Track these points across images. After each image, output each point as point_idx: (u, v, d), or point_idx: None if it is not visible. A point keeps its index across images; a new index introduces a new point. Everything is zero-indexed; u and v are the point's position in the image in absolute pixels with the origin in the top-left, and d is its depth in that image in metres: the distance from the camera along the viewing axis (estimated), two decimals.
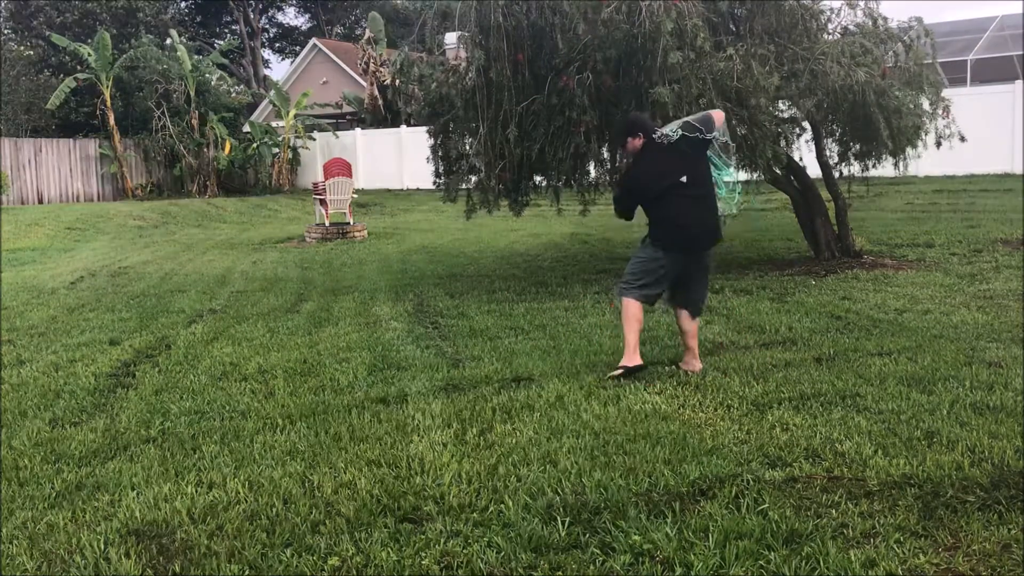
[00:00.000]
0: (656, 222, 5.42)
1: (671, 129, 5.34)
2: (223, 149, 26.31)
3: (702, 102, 7.58)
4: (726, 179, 5.60)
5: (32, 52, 27.82)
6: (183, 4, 42.03)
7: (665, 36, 7.30)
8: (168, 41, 26.75)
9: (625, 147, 5.60)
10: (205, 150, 26.35)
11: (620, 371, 5.26)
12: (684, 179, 5.27)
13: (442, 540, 3.19)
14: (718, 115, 5.48)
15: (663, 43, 7.30)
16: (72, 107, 27.78)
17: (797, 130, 9.59)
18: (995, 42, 24.10)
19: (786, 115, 9.28)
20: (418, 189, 24.67)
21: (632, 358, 5.28)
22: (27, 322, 8.39)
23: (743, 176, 9.74)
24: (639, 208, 5.52)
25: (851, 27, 9.28)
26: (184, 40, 26.97)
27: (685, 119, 5.45)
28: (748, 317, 7.12)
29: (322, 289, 9.92)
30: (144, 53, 25.71)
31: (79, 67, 25.92)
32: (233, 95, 29.81)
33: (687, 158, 5.30)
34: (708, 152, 5.40)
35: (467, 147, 9.20)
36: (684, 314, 5.50)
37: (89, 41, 25.34)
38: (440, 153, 9.67)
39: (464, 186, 9.60)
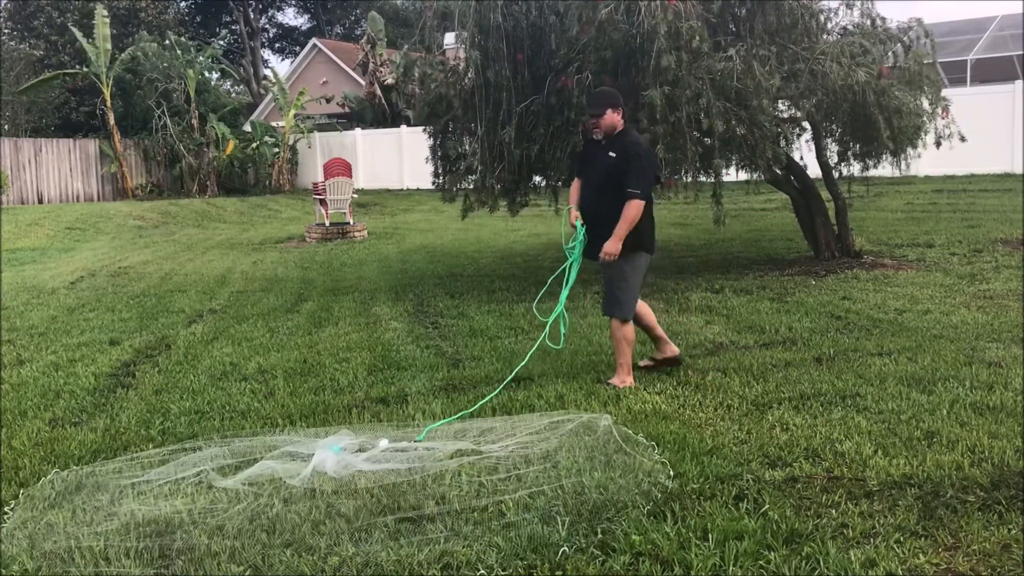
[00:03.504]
0: (649, 226, 5.30)
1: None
2: (226, 148, 26.29)
3: (701, 102, 7.58)
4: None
5: (35, 52, 27.79)
6: (183, 4, 42.06)
7: (660, 38, 7.29)
8: (168, 41, 26.75)
9: (600, 118, 5.14)
10: (205, 150, 26.34)
11: (611, 387, 5.17)
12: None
13: (442, 540, 3.19)
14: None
15: (657, 45, 7.30)
16: (72, 107, 27.76)
17: (797, 130, 9.59)
18: (995, 42, 24.08)
19: (786, 115, 9.28)
20: (418, 189, 24.67)
21: (625, 380, 5.21)
22: (27, 322, 8.39)
23: (743, 176, 9.76)
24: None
25: (850, 27, 9.29)
26: (184, 39, 26.95)
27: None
28: (748, 317, 7.12)
29: (322, 289, 9.92)
30: (145, 49, 25.71)
31: (79, 66, 25.90)
32: (233, 95, 29.81)
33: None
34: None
35: (466, 147, 9.20)
36: (644, 307, 5.46)
37: (91, 40, 25.36)
38: (439, 153, 9.67)
39: (462, 186, 9.60)
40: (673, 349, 5.51)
